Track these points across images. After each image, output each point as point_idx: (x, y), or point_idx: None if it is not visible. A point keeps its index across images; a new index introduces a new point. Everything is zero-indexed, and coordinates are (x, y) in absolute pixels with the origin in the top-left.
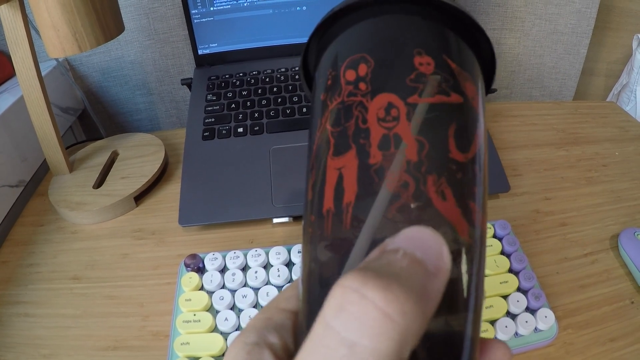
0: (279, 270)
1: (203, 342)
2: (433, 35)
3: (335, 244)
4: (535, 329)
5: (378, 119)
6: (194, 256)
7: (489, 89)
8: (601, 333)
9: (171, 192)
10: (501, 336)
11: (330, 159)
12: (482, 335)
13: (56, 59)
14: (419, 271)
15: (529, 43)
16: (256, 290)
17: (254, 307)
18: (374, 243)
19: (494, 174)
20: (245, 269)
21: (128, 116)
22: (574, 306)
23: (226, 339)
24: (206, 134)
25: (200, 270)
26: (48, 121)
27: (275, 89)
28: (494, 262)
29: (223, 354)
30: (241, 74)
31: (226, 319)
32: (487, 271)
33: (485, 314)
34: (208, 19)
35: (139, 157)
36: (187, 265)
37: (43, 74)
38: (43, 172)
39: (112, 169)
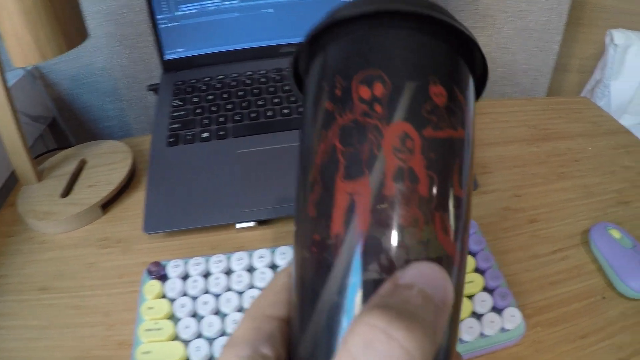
0: (240, 277)
1: (164, 350)
2: (446, 62)
3: (341, 270)
4: (502, 328)
5: (393, 148)
6: (157, 264)
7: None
8: (571, 330)
9: (138, 200)
10: (466, 337)
11: (341, 180)
12: None
13: (24, 68)
14: (431, 308)
15: (500, 40)
16: (217, 296)
17: (215, 314)
18: (382, 273)
19: None
20: (207, 275)
21: (99, 123)
22: (543, 303)
23: (187, 346)
24: (171, 139)
25: (163, 277)
26: (15, 131)
27: (241, 93)
28: None
29: None
30: (207, 79)
31: (187, 327)
32: None
33: None
34: (174, 23)
35: (107, 164)
36: (150, 273)
37: (12, 82)
38: (12, 182)
39: (79, 177)
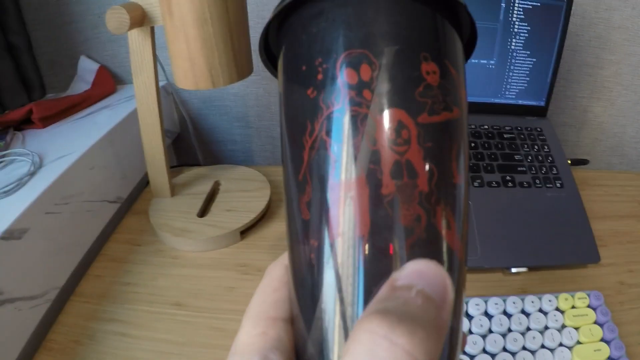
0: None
1: None
2: (436, 33)
3: (344, 277)
4: None
5: (388, 141)
6: None
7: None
8: None
9: (275, 230)
10: None
11: (333, 180)
12: None
13: (164, 82)
14: (431, 308)
15: (614, 112)
16: None
17: None
18: (384, 275)
19: (586, 245)
20: None
21: (222, 145)
22: None
23: None
24: None
25: None
26: (160, 145)
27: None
28: (589, 331)
29: None
30: None
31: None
32: (583, 339)
33: None
34: None
35: (244, 191)
36: None
37: None
38: (138, 190)
39: (215, 200)
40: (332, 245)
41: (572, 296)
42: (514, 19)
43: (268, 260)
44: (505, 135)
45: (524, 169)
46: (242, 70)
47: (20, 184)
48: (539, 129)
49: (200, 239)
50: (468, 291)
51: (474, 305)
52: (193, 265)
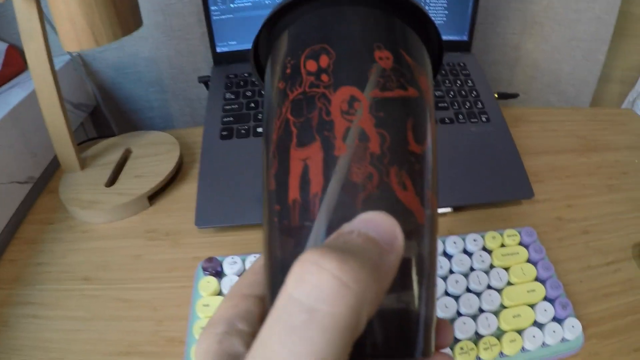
0: None
1: None
2: (390, 29)
3: (301, 233)
4: (563, 338)
5: (341, 112)
6: (211, 259)
7: (434, 77)
8: (626, 342)
9: (186, 192)
10: (529, 345)
11: (294, 149)
12: (510, 344)
13: (70, 54)
14: (372, 247)
15: (547, 48)
16: None
17: None
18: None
19: (518, 180)
20: None
21: (141, 113)
22: (597, 315)
23: None
24: (224, 133)
25: (219, 274)
26: (60, 117)
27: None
28: (521, 270)
29: None
30: None
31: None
32: (514, 279)
33: (513, 324)
34: (227, 16)
35: (153, 155)
36: (204, 269)
37: (56, 68)
38: (53, 168)
39: (125, 167)
40: (291, 206)
41: (501, 234)
42: None
43: (177, 223)
44: None
45: (446, 104)
46: (128, 25)
47: None
48: (462, 64)
49: (107, 209)
50: None
51: None
52: (102, 237)
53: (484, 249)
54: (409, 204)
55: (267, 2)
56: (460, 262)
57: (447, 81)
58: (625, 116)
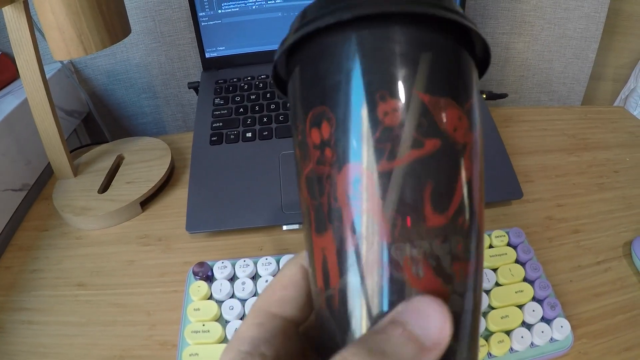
0: None
1: (213, 353)
2: (397, 59)
3: (332, 318)
4: (551, 339)
5: (348, 197)
6: (202, 264)
7: (484, 72)
8: (616, 342)
9: (178, 198)
10: (517, 346)
11: (315, 235)
12: (498, 345)
13: (61, 62)
14: (410, 351)
15: (537, 47)
16: None
17: None
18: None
19: (507, 180)
20: (255, 277)
21: (133, 119)
22: (588, 315)
23: None
24: (214, 138)
25: (209, 278)
26: (52, 124)
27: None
28: (509, 271)
29: None
30: (249, 78)
31: (236, 330)
32: (502, 280)
33: (501, 324)
34: (216, 21)
35: (145, 161)
36: (195, 274)
37: (47, 76)
38: (47, 175)
39: (117, 174)
40: (319, 292)
41: (489, 235)
42: None
43: (169, 228)
44: None
45: None
46: (116, 33)
47: None
48: None
49: (100, 215)
50: None
51: None
52: (96, 243)
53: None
54: (427, 289)
55: (254, 7)
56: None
57: None
58: (616, 114)
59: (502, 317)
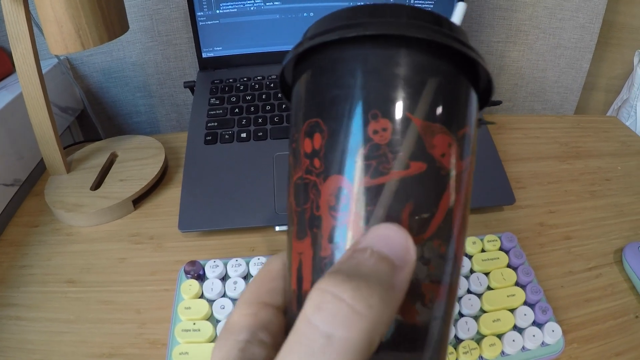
0: None
1: (203, 352)
2: (394, 81)
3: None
4: (542, 343)
5: (329, 207)
6: (194, 263)
7: (486, 103)
8: (606, 347)
9: (170, 197)
10: (508, 350)
11: (295, 240)
12: (490, 348)
13: (57, 57)
14: (385, 268)
15: (532, 57)
16: None
17: None
18: None
19: (499, 186)
20: (247, 277)
21: (127, 118)
22: (579, 320)
23: None
24: (208, 138)
25: (201, 277)
26: (47, 119)
27: (279, 95)
28: (501, 275)
29: None
30: (245, 79)
31: (227, 322)
32: (494, 284)
33: (493, 328)
34: (213, 21)
35: (139, 159)
36: (187, 272)
37: (43, 71)
38: (39, 171)
39: (110, 171)
40: (292, 293)
41: (481, 239)
42: None
43: (161, 227)
44: None
45: None
46: (114, 29)
47: None
48: None
49: (92, 212)
50: None
51: None
52: (87, 240)
53: (464, 254)
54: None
55: (252, 8)
56: None
57: None
58: (609, 123)
59: (493, 321)
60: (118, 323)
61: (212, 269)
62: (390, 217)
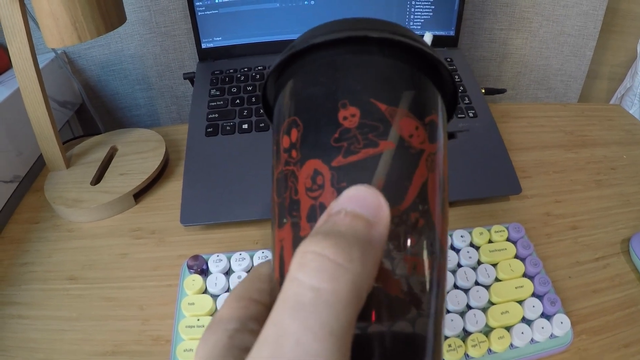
0: None
1: None
2: (359, 76)
3: None
4: (551, 335)
5: (306, 189)
6: (197, 257)
7: (456, 101)
8: (615, 339)
9: (172, 190)
10: (517, 342)
11: (277, 230)
12: (498, 341)
13: (55, 51)
14: (360, 224)
15: (535, 44)
16: None
17: None
18: None
19: (506, 175)
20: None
21: (127, 111)
22: (587, 311)
23: None
24: (209, 129)
25: (204, 272)
26: (45, 114)
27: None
28: (509, 267)
29: None
30: (246, 69)
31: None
32: (502, 275)
33: (501, 320)
34: (213, 11)
35: (139, 153)
36: (190, 267)
37: (41, 66)
38: (39, 167)
39: (110, 165)
40: (275, 283)
41: (489, 230)
42: None
43: (162, 221)
44: None
45: None
46: (111, 20)
47: None
48: (449, 59)
49: (92, 208)
50: None
51: None
52: (88, 236)
53: (472, 245)
54: (378, 277)
55: None
56: (448, 259)
57: None
58: (613, 112)
59: (502, 313)
60: (121, 320)
61: (216, 263)
62: None
